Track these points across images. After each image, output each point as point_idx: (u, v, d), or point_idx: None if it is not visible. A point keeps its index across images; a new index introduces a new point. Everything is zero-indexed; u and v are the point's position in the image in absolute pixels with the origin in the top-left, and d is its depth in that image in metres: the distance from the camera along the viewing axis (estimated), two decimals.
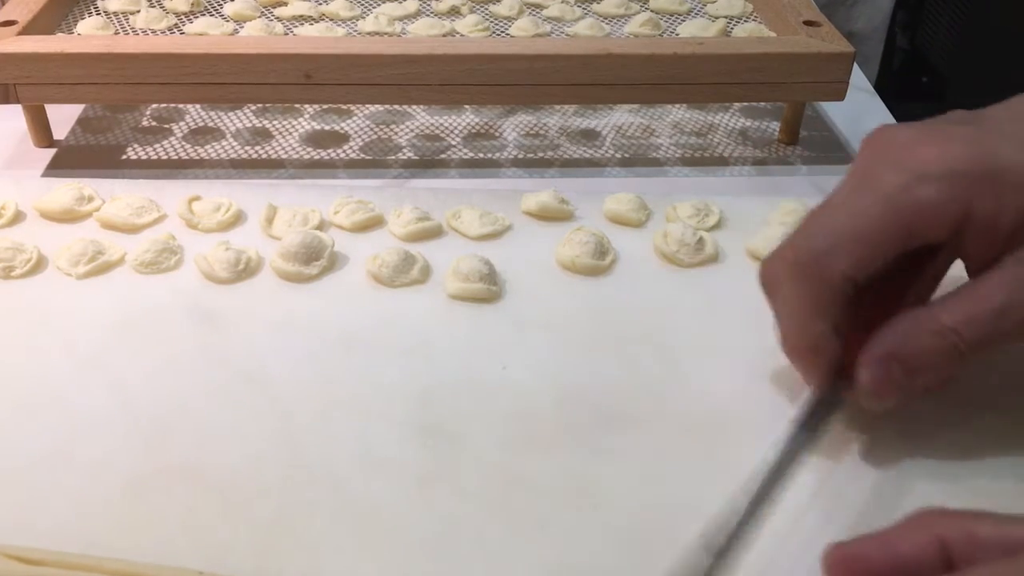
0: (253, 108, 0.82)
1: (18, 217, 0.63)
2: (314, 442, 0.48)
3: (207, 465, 0.46)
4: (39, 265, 0.59)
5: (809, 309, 0.46)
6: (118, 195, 0.64)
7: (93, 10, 0.80)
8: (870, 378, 0.44)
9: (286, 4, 0.83)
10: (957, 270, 0.47)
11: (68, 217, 0.63)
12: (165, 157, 0.76)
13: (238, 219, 0.64)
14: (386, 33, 0.79)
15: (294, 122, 0.81)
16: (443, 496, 0.45)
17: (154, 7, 0.80)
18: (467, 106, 0.83)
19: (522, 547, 0.43)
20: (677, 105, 0.85)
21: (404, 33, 0.80)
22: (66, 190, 0.64)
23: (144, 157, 0.76)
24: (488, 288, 0.58)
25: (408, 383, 0.51)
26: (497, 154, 0.78)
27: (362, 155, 0.77)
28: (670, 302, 0.58)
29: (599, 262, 0.61)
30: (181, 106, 0.82)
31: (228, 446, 0.47)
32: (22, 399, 0.50)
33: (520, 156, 0.78)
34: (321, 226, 0.63)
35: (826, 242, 0.45)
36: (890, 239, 0.44)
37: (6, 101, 0.69)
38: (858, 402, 0.46)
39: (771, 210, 0.66)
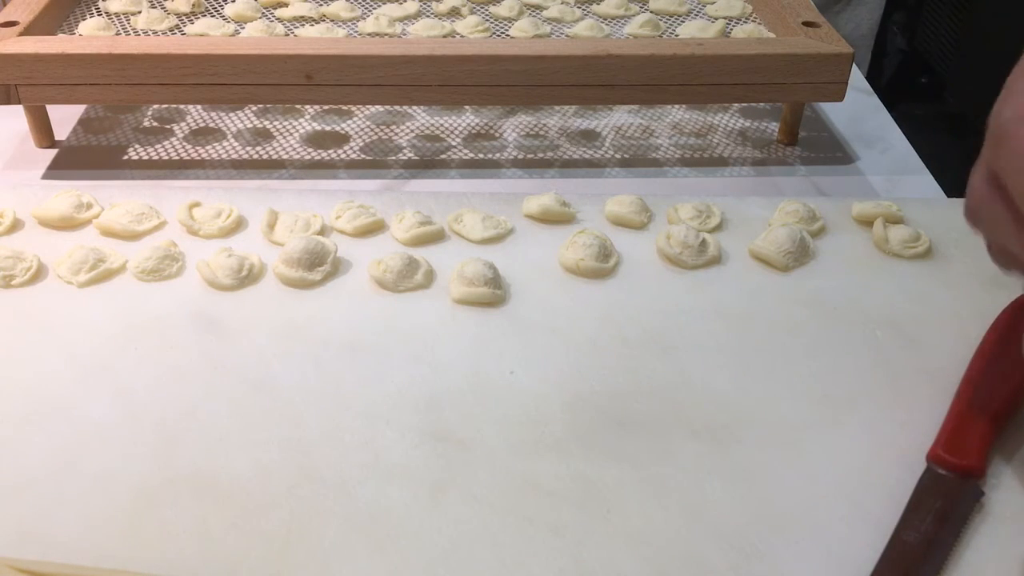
0: (254, 109, 0.82)
1: (16, 225, 0.63)
2: (323, 450, 0.48)
3: (216, 475, 0.46)
4: (39, 274, 0.58)
5: None
6: (117, 202, 0.64)
7: (94, 11, 0.80)
8: None
9: (287, 5, 0.83)
10: None
11: (67, 224, 0.63)
12: (166, 157, 0.76)
13: (239, 225, 0.64)
14: (386, 34, 0.79)
15: (295, 123, 0.81)
16: (455, 503, 0.45)
17: (155, 8, 0.80)
18: (467, 107, 0.83)
19: (536, 553, 0.43)
20: (677, 106, 0.85)
21: (404, 34, 0.80)
22: (65, 197, 0.63)
23: (145, 157, 0.76)
24: (493, 292, 0.58)
25: (416, 389, 0.51)
26: (497, 155, 0.78)
27: (362, 156, 0.77)
28: (676, 305, 0.58)
29: (603, 265, 0.61)
30: (182, 107, 0.82)
31: (236, 455, 0.47)
32: (27, 410, 0.49)
33: (520, 157, 0.78)
34: (323, 231, 0.63)
35: None
36: None
37: (7, 102, 0.69)
38: None
39: (772, 210, 0.66)
